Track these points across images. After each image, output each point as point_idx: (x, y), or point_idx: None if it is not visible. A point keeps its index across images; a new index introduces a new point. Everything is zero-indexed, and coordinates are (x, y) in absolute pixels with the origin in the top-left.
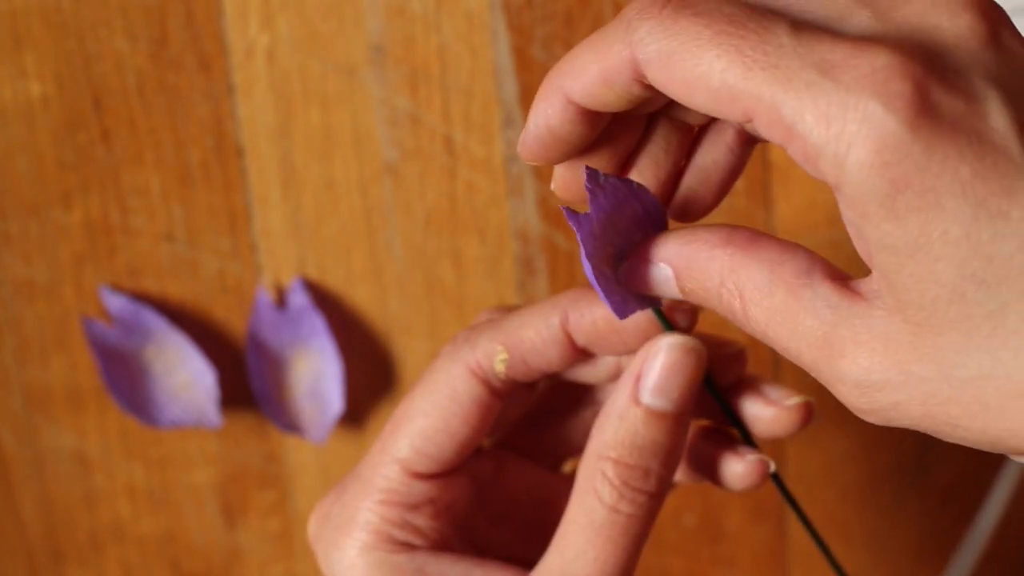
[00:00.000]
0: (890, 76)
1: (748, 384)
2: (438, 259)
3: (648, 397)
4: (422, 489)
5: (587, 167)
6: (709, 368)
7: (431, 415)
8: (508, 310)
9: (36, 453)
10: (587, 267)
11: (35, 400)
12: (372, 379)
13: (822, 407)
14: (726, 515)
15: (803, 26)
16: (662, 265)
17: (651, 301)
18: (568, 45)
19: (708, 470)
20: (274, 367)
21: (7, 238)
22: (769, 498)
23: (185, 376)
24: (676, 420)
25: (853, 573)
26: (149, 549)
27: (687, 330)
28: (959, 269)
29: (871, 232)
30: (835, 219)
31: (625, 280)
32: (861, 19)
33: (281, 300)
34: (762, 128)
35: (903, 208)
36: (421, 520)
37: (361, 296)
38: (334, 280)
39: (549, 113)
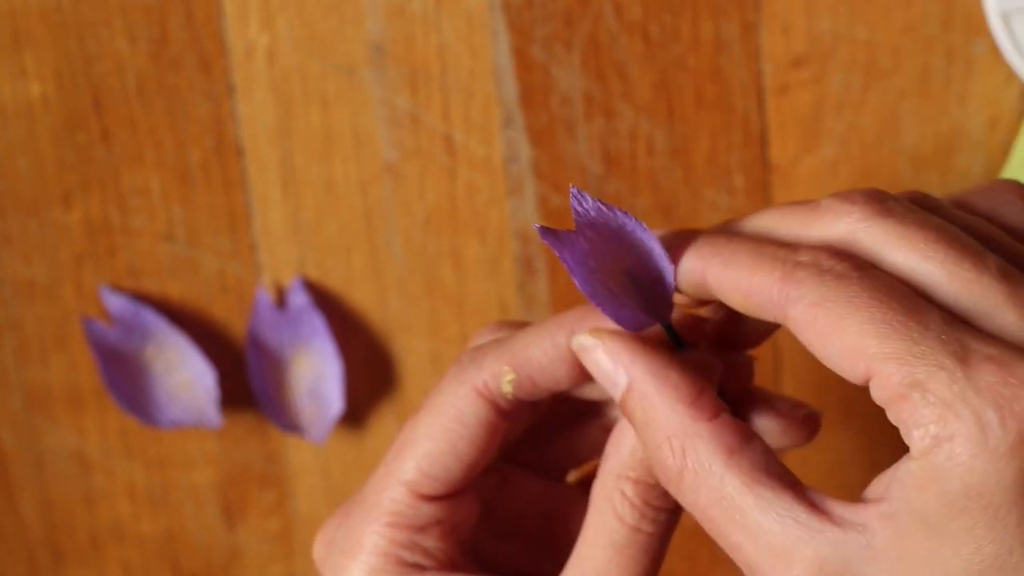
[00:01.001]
0: (1019, 396)
1: (756, 396)
2: (438, 259)
3: None
4: (429, 511)
5: (572, 186)
6: (720, 382)
7: (438, 438)
8: (510, 326)
9: (36, 453)
10: (584, 287)
11: (35, 400)
12: (372, 379)
13: (824, 407)
14: None
15: (953, 318)
16: (619, 371)
17: (660, 315)
18: (568, 45)
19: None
20: (274, 367)
21: (7, 238)
22: None
23: (185, 376)
24: None
25: None
26: (149, 549)
27: (697, 345)
28: (970, 573)
29: (919, 504)
30: None
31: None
32: (1009, 320)
33: (281, 300)
34: (876, 390)
35: (961, 511)
36: (429, 542)
37: (361, 296)
38: (334, 280)
39: (684, 265)
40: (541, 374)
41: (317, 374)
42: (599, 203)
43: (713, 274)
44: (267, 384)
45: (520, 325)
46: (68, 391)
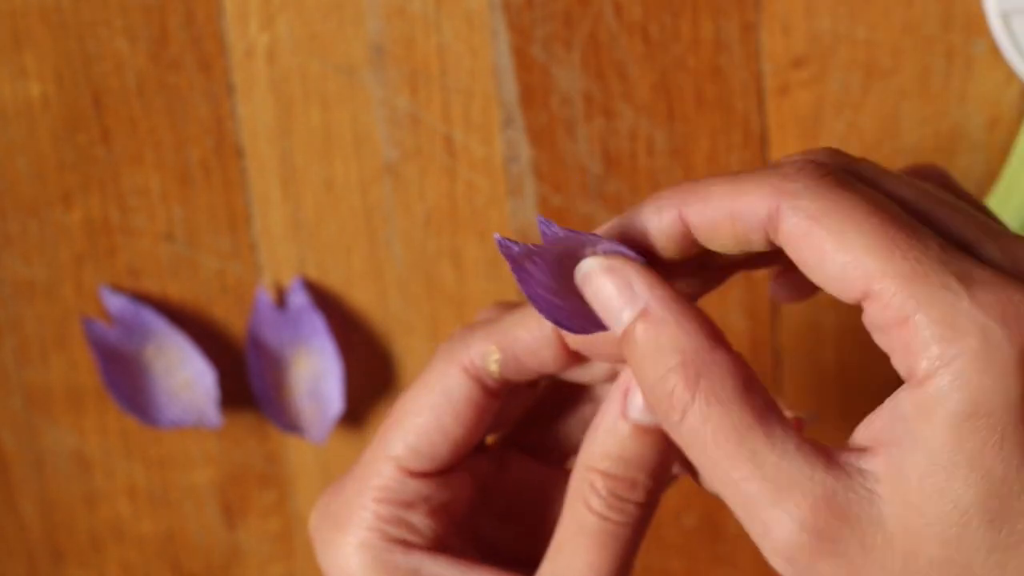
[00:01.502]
0: (1022, 314)
1: None
2: (438, 259)
3: (636, 413)
4: (417, 487)
5: (540, 216)
6: None
7: (425, 414)
8: (508, 307)
9: (36, 453)
10: (535, 299)
11: (35, 400)
12: (372, 379)
13: (825, 407)
14: (726, 515)
15: (949, 243)
16: (632, 298)
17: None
18: (568, 45)
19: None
20: (274, 367)
21: (7, 238)
22: None
23: (185, 376)
24: (664, 434)
25: None
26: (149, 549)
27: None
28: (980, 502)
29: (924, 432)
30: None
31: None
32: (992, 251)
33: (281, 300)
34: (873, 311)
35: (969, 430)
36: (417, 518)
37: (361, 296)
38: (334, 280)
39: (656, 222)
40: (527, 354)
41: (317, 374)
42: (567, 230)
43: (692, 210)
44: (267, 384)
45: (516, 306)
46: (68, 391)
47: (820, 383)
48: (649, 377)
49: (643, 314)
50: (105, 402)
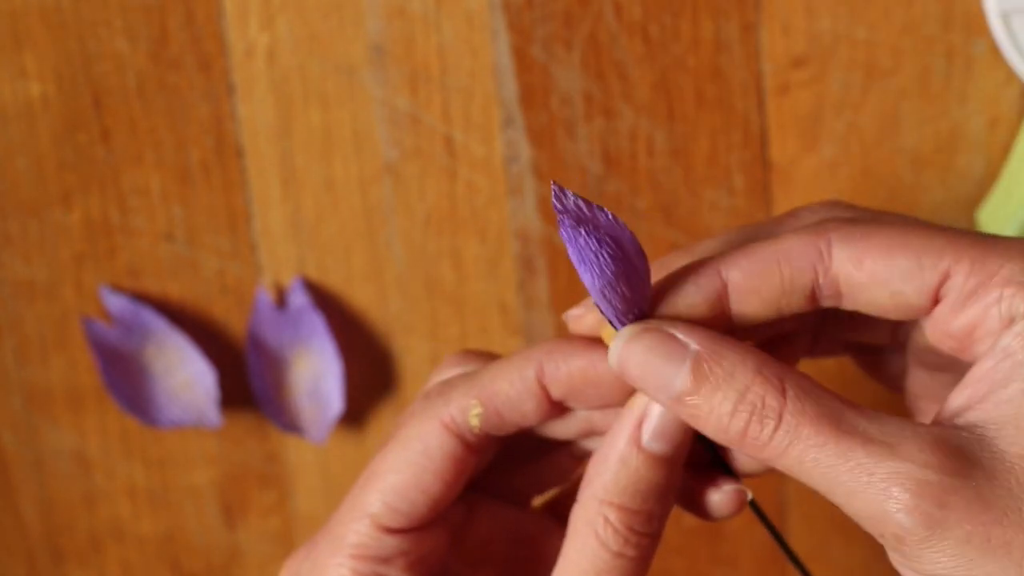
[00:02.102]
0: None
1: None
2: (438, 259)
3: (650, 441)
4: (394, 543)
5: (554, 183)
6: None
7: (404, 471)
8: (476, 356)
9: (36, 453)
10: (593, 281)
11: (35, 400)
12: (372, 379)
13: None
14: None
15: None
16: (683, 350)
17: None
18: (568, 45)
19: (689, 501)
20: (274, 367)
21: (7, 238)
22: (769, 499)
23: (185, 376)
24: (675, 463)
25: (853, 572)
26: (149, 549)
27: None
28: None
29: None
30: None
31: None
32: None
33: (281, 300)
34: (958, 281)
35: None
36: (394, 573)
37: (361, 296)
38: (334, 280)
39: (694, 288)
40: (508, 408)
41: (317, 374)
42: (579, 199)
43: (736, 265)
44: (267, 384)
45: (486, 356)
46: (68, 391)
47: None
48: (726, 404)
49: (699, 359)
50: (105, 402)
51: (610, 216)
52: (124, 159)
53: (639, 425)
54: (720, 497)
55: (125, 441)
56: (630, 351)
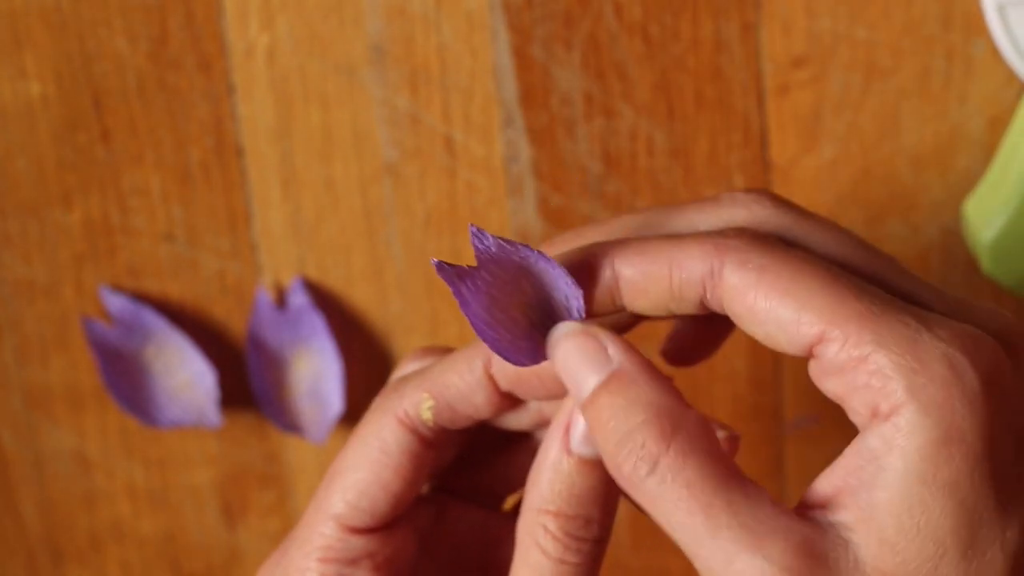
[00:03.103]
0: (981, 344)
1: None
2: (438, 259)
3: (579, 446)
4: (360, 544)
5: (471, 225)
6: None
7: (363, 469)
8: (436, 352)
9: (36, 453)
10: (474, 321)
11: (35, 400)
12: (372, 379)
13: (825, 407)
14: None
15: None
16: (606, 358)
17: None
18: (568, 45)
19: None
20: (274, 367)
21: (7, 238)
22: None
23: (185, 376)
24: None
25: None
26: (149, 549)
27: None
28: (955, 531)
29: (895, 463)
30: (835, 219)
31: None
32: (934, 303)
33: (281, 300)
34: (829, 353)
35: (943, 458)
36: (361, 574)
37: (361, 296)
38: (334, 280)
39: (586, 276)
40: (460, 400)
41: (317, 374)
42: (499, 240)
43: (629, 262)
44: (267, 384)
45: (443, 351)
46: (68, 391)
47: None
48: (615, 433)
49: (614, 375)
50: (105, 402)
51: (532, 251)
52: (124, 159)
53: (566, 432)
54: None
55: (125, 441)
56: (562, 346)
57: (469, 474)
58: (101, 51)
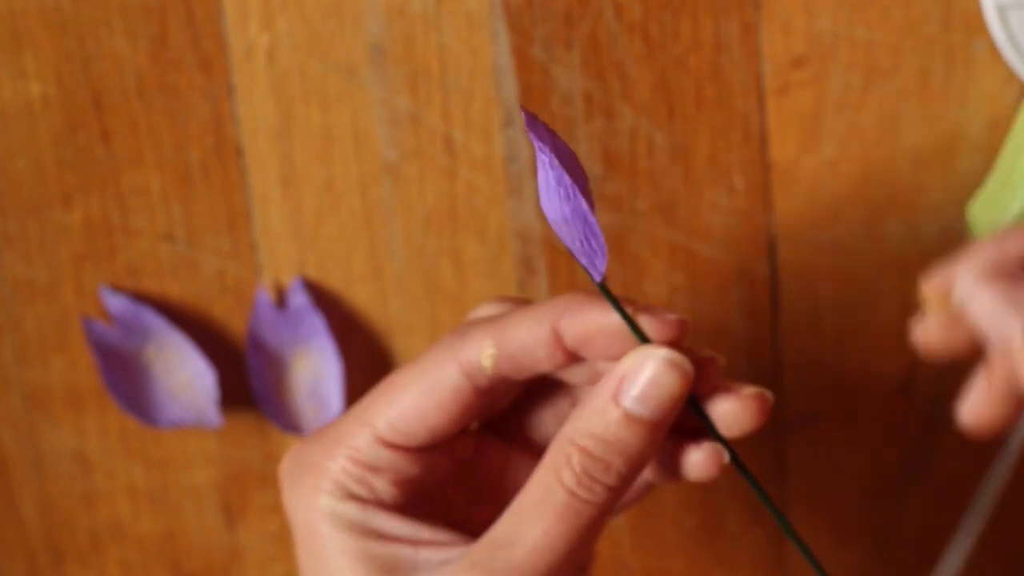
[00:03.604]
0: None
1: (720, 387)
2: (438, 259)
3: (629, 402)
4: (388, 456)
5: (524, 109)
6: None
7: (411, 393)
8: (512, 301)
9: (36, 453)
10: (579, 210)
11: (35, 400)
12: (372, 379)
13: (825, 407)
14: (726, 515)
15: None
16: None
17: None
18: (568, 45)
19: (670, 465)
20: (274, 367)
21: (7, 238)
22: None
23: (185, 376)
24: (651, 428)
25: (855, 573)
26: (149, 549)
27: (662, 342)
28: None
29: None
30: (835, 219)
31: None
32: None
33: (281, 300)
34: None
35: None
36: (380, 483)
37: (361, 296)
38: (334, 280)
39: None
40: (522, 352)
41: (317, 374)
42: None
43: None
44: (267, 384)
45: (521, 301)
46: (68, 391)
47: (820, 383)
48: None
49: None
50: (105, 402)
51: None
52: (124, 159)
53: (621, 383)
54: (698, 456)
55: (125, 441)
56: (979, 292)
57: (515, 419)
58: (101, 51)
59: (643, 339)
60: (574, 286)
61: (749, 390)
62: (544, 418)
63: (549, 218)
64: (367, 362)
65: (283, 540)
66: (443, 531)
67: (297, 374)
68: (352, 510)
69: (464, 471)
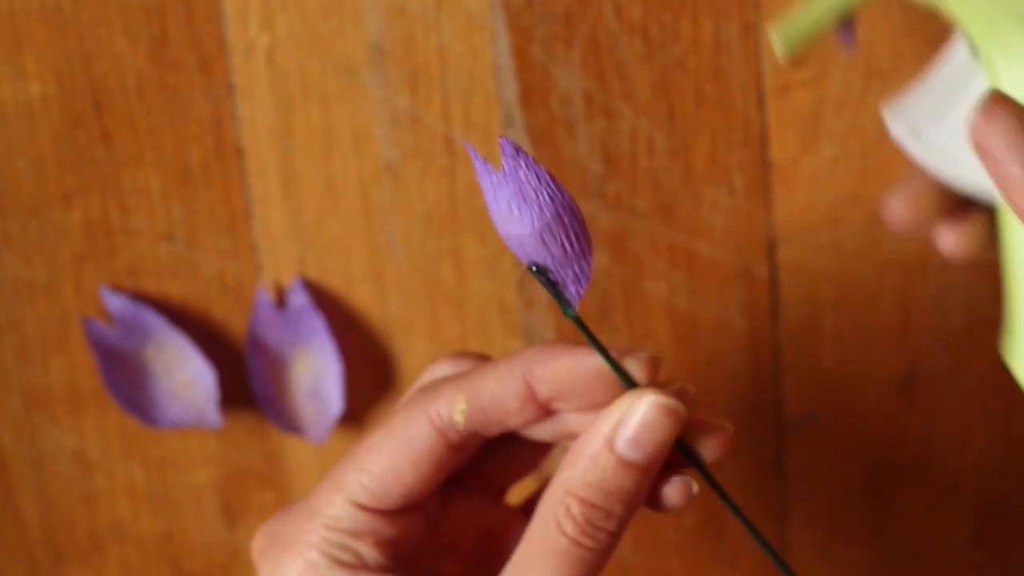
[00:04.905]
0: None
1: (692, 422)
2: (438, 259)
3: (622, 446)
4: (366, 520)
5: (503, 138)
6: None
7: (384, 455)
8: (472, 357)
9: (36, 453)
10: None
11: (35, 400)
12: (372, 379)
13: (825, 407)
14: (726, 515)
15: None
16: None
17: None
18: (568, 45)
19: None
20: (274, 367)
21: (7, 238)
22: (769, 499)
23: (185, 376)
24: (645, 472)
25: (855, 573)
26: (149, 549)
27: (647, 384)
28: None
29: None
30: (835, 219)
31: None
32: None
33: (281, 300)
34: None
35: None
36: (363, 548)
37: (361, 296)
38: (334, 280)
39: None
40: (494, 406)
41: (317, 374)
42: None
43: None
44: (267, 384)
45: (480, 357)
46: (68, 391)
47: (820, 383)
48: None
49: None
50: (105, 402)
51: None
52: (124, 159)
53: (615, 428)
54: (671, 489)
55: (125, 441)
56: (992, 120)
57: (475, 465)
58: (101, 51)
59: (628, 382)
60: None
61: (720, 421)
62: (503, 461)
63: (516, 233)
64: (367, 362)
65: None
66: None
67: (297, 374)
68: None
69: (431, 528)
